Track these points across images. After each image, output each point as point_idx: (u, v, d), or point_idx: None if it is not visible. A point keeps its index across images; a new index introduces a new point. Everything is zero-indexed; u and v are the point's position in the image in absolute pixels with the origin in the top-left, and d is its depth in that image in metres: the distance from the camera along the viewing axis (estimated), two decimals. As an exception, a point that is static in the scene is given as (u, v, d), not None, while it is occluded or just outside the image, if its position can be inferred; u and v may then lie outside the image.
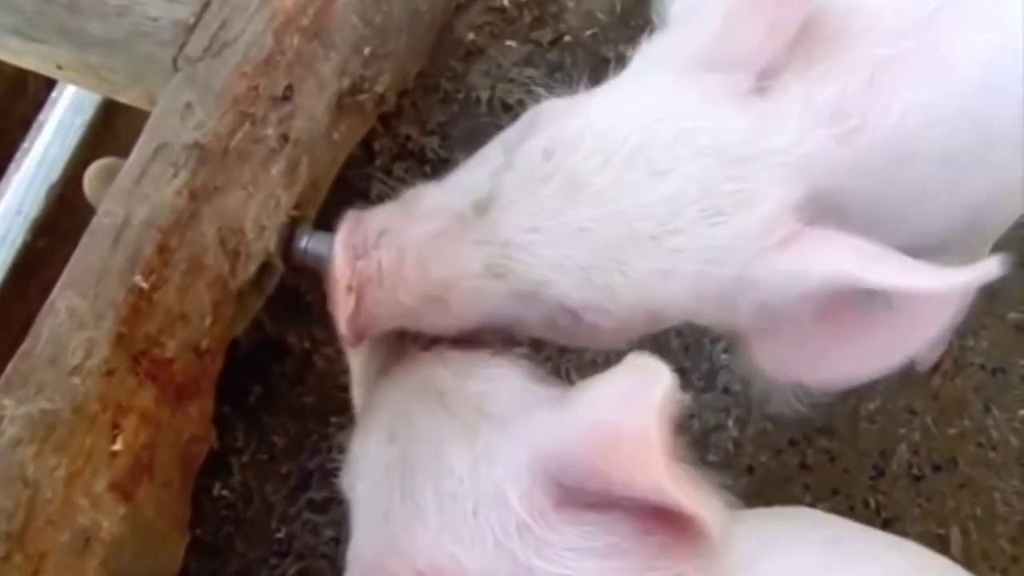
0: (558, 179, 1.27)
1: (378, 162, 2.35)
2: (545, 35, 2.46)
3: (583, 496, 1.11)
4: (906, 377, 2.20)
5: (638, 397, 1.05)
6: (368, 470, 1.26)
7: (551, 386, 1.28)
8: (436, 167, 2.34)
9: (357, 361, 1.48)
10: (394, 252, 1.33)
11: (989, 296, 2.22)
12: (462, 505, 1.15)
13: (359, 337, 1.38)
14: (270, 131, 1.60)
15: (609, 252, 1.26)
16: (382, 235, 1.35)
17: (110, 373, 1.48)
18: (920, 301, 1.26)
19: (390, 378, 1.37)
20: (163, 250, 1.52)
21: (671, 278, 1.28)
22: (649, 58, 1.43)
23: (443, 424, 1.23)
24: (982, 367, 2.22)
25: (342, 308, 1.35)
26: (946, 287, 1.24)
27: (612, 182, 1.26)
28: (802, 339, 1.33)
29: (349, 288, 1.34)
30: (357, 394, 1.49)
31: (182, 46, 1.61)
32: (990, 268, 1.21)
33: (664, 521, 1.08)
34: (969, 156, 1.40)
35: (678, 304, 1.31)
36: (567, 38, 2.45)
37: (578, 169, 1.27)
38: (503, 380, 1.28)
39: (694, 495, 1.05)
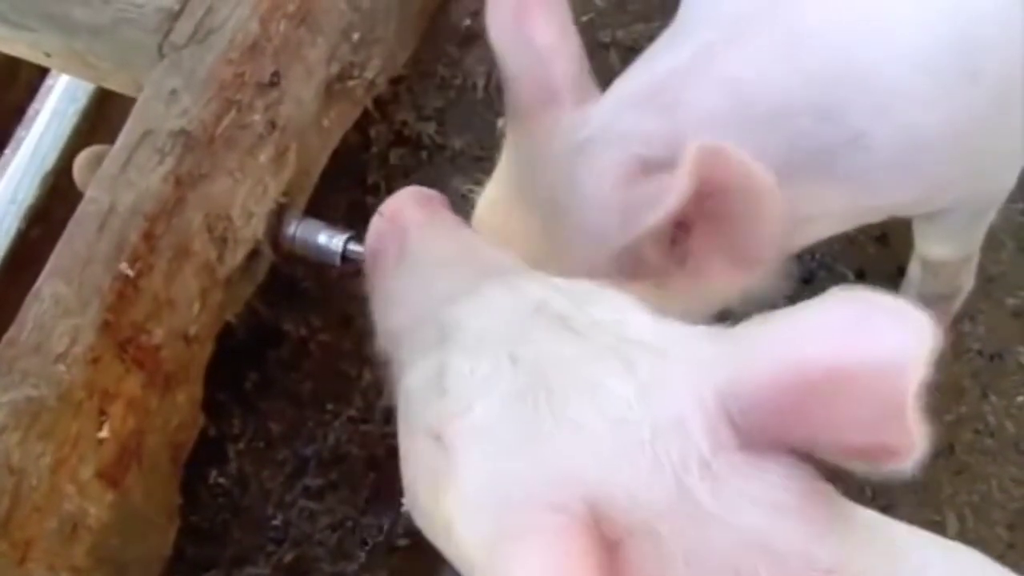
0: None
1: (374, 149, 2.34)
2: (540, 20, 2.44)
3: (759, 443, 1.05)
4: (903, 363, 2.19)
5: (863, 334, 0.99)
6: (488, 393, 1.13)
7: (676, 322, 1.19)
8: (432, 153, 2.34)
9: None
10: None
11: (986, 281, 2.21)
12: (637, 431, 1.05)
13: None
14: (257, 117, 1.59)
15: None
16: None
17: (96, 360, 1.48)
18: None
19: (470, 298, 1.27)
20: (149, 237, 1.52)
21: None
22: None
23: (582, 348, 1.13)
24: (979, 353, 2.20)
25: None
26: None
27: None
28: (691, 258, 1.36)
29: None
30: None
31: (167, 33, 1.60)
32: None
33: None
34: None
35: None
36: (564, 24, 2.44)
37: None
38: (628, 310, 1.18)
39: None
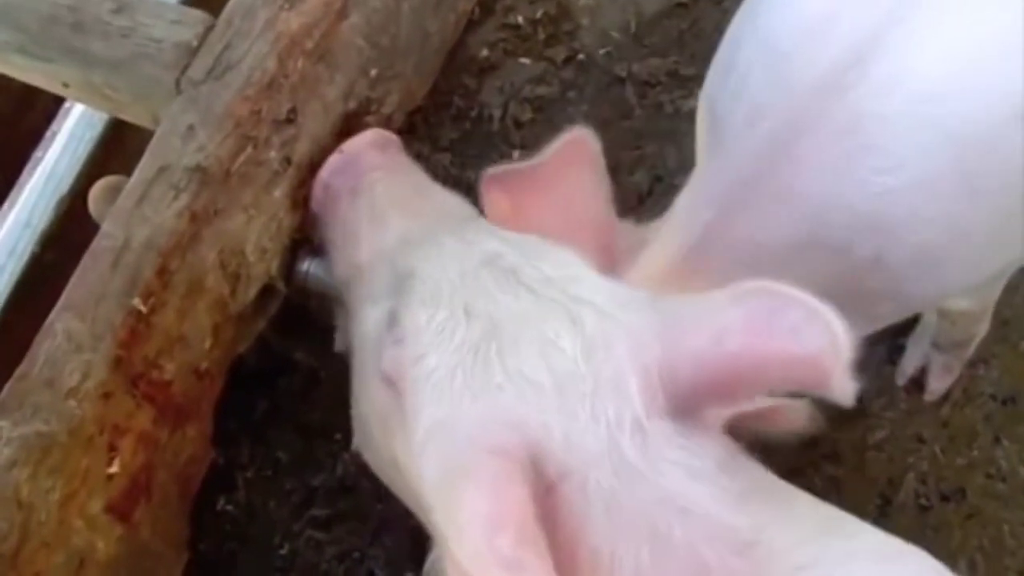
0: None
1: (390, 180, 2.34)
2: (559, 53, 2.45)
3: (687, 414, 1.14)
4: (915, 405, 2.18)
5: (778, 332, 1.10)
6: (442, 343, 1.20)
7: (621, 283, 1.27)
8: (448, 184, 2.33)
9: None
10: None
11: (1001, 324, 2.20)
12: (580, 385, 1.13)
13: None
14: (273, 154, 1.59)
15: None
16: None
17: (107, 396, 1.48)
18: None
19: (426, 247, 1.33)
20: (163, 273, 1.51)
21: None
22: None
23: (532, 302, 1.20)
24: (992, 397, 2.19)
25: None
26: None
27: None
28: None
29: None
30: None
31: (185, 68, 1.60)
32: None
33: None
34: None
35: None
36: (581, 56, 2.44)
37: None
38: (575, 266, 1.25)
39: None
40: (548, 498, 1.09)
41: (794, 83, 1.44)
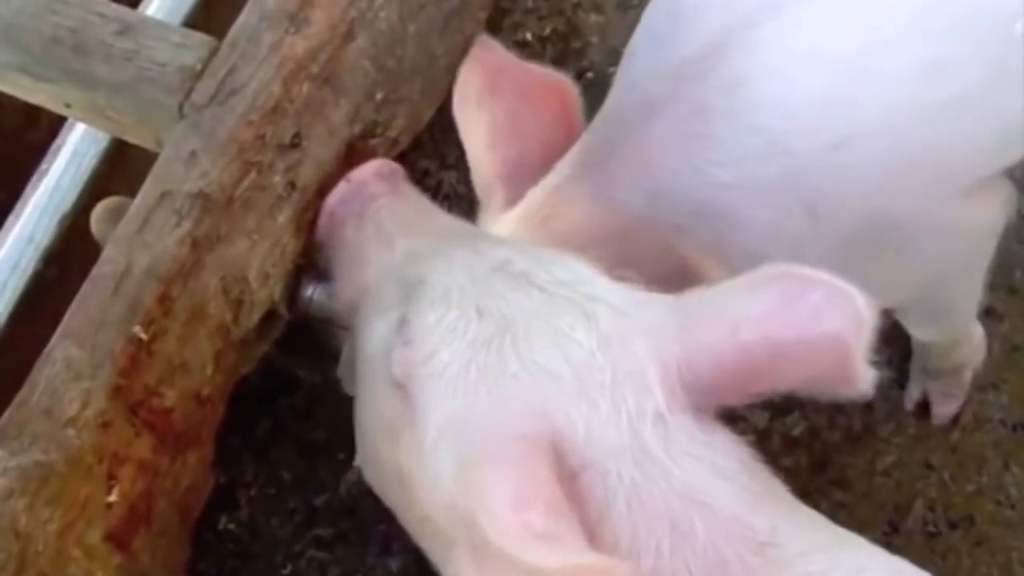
0: None
1: (396, 197, 2.32)
2: (568, 71, 2.41)
3: (707, 409, 1.14)
4: (924, 430, 2.17)
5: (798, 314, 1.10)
6: (454, 340, 1.20)
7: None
8: (453, 202, 2.32)
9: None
10: None
11: (1012, 350, 2.19)
12: (599, 376, 1.13)
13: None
14: (277, 179, 1.57)
15: None
16: None
17: (106, 424, 1.46)
18: None
19: (434, 257, 1.34)
20: (164, 300, 1.50)
21: None
22: None
23: (544, 301, 1.20)
24: (1002, 423, 2.19)
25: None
26: None
27: None
28: None
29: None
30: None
31: (188, 92, 1.58)
32: None
33: None
34: None
35: None
36: (590, 75, 2.44)
37: None
38: (587, 271, 1.25)
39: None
40: (569, 488, 1.08)
41: (660, 64, 1.53)
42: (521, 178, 1.61)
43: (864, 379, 1.10)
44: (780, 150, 1.46)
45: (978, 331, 2.07)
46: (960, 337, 2.03)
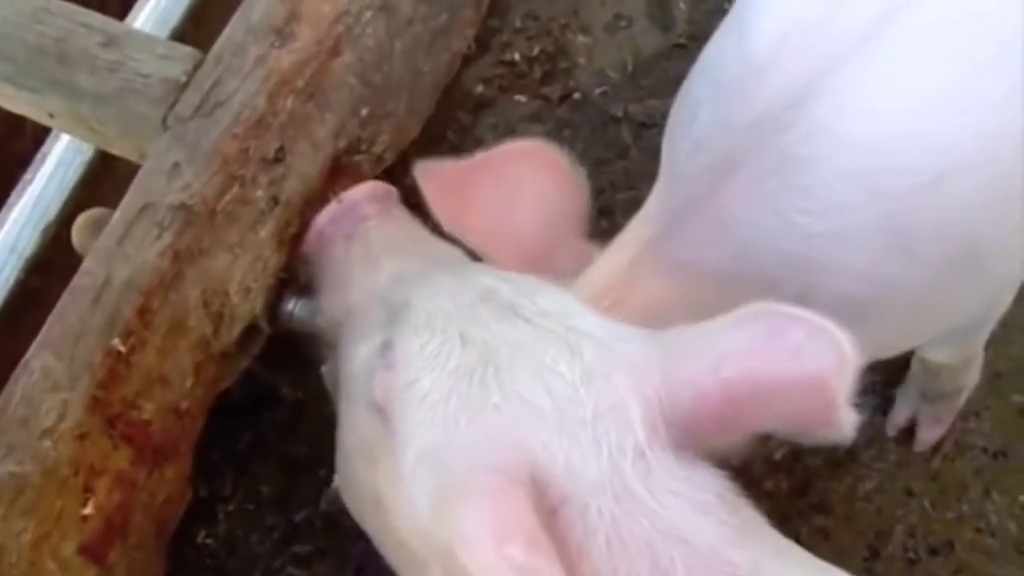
0: None
1: (382, 214, 2.32)
2: (555, 91, 2.43)
3: (687, 446, 1.12)
4: (905, 457, 2.17)
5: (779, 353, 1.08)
6: (436, 367, 1.18)
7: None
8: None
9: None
10: None
11: (994, 376, 2.19)
12: (580, 410, 1.12)
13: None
14: (260, 193, 1.57)
15: None
16: None
17: (83, 436, 1.46)
18: None
19: (420, 282, 1.32)
20: (143, 312, 1.50)
21: None
22: None
23: (529, 332, 1.19)
24: (983, 450, 2.17)
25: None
26: None
27: None
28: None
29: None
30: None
31: (172, 105, 1.58)
32: None
33: None
34: None
35: None
36: (577, 95, 2.43)
37: None
38: (573, 303, 1.24)
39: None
40: (549, 522, 1.07)
41: (734, 120, 1.46)
42: (544, 247, 1.53)
43: (846, 422, 1.08)
44: (876, 193, 1.42)
45: (981, 352, 2.06)
46: (974, 356, 2.03)
